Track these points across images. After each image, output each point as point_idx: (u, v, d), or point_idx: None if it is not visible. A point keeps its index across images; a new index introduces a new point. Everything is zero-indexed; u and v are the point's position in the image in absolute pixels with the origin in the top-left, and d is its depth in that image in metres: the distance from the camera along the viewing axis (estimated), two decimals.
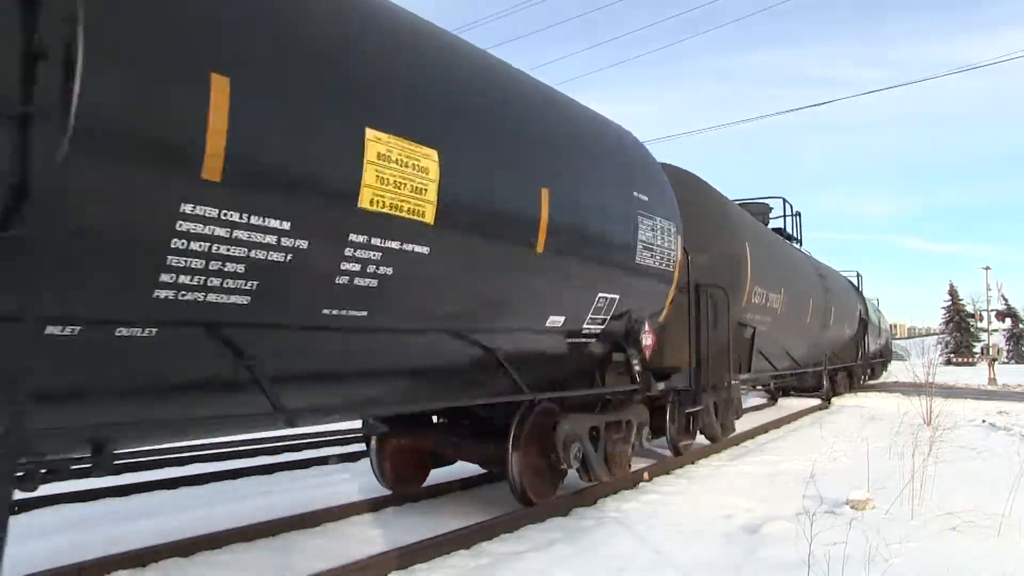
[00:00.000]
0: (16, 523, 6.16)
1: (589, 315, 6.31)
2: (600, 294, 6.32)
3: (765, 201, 16.24)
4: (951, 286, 68.83)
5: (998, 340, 50.18)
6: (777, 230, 16.36)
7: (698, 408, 9.14)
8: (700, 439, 10.01)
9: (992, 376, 33.38)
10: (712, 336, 9.16)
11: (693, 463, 9.40)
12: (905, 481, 6.46)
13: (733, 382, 10.18)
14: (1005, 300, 57.25)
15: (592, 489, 7.18)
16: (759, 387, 18.94)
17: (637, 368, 7.07)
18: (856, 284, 25.76)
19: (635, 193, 6.75)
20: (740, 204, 13.44)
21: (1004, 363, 52.12)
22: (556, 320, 5.92)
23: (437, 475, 7.47)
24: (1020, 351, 63.05)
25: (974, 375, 36.50)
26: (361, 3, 4.33)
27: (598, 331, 6.55)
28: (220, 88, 3.10)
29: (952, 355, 62.46)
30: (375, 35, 4.27)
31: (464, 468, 7.47)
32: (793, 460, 9.39)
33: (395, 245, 4.11)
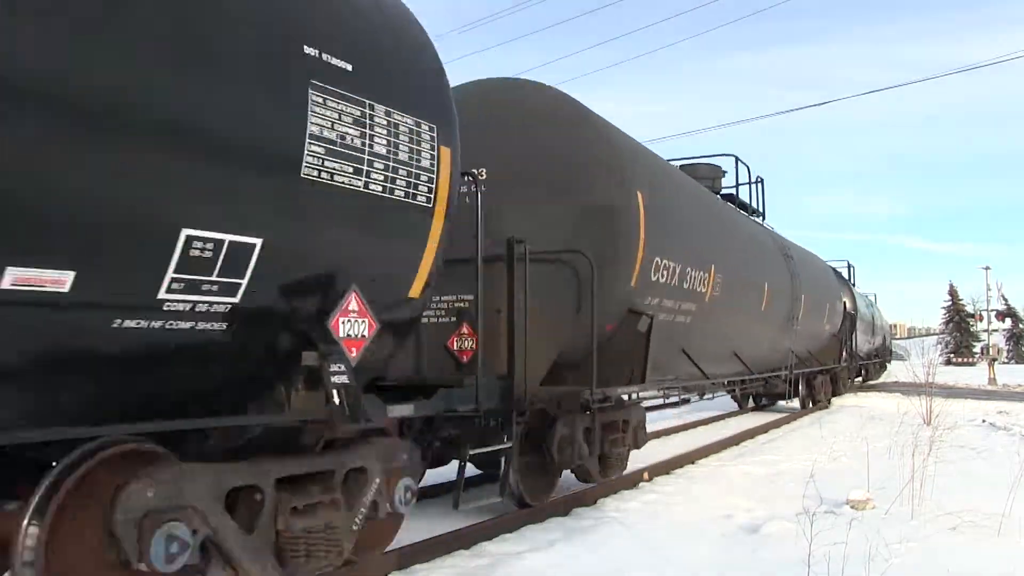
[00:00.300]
0: None
1: (170, 274, 3.16)
2: (193, 232, 3.17)
3: (714, 163, 12.76)
4: (951, 286, 69.17)
5: (998, 340, 50.24)
6: (727, 197, 12.83)
7: (505, 446, 5.59)
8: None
9: (992, 376, 33.42)
10: (562, 328, 6.33)
11: (693, 463, 9.41)
12: (905, 481, 6.46)
13: (603, 402, 6.95)
14: (1005, 300, 57.45)
15: (592, 489, 7.17)
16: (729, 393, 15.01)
17: (338, 379, 3.93)
18: (847, 275, 24.43)
19: (307, 49, 3.65)
20: (682, 167, 10.72)
21: (1004, 363, 52.16)
22: (41, 278, 2.78)
23: None
24: (1020, 351, 63.13)
25: (974, 375, 36.51)
26: None
27: (224, 307, 3.42)
28: None
29: (952, 355, 62.55)
30: None
31: None
32: (793, 460, 9.39)
33: None
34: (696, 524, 6.10)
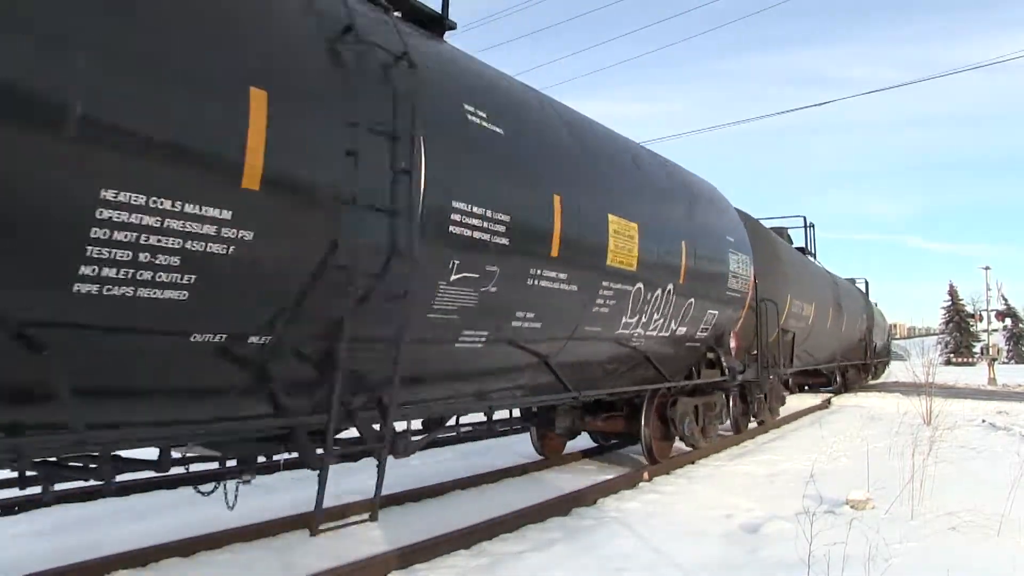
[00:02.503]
0: (18, 523, 6.18)
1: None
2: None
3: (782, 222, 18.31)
4: (951, 286, 69.07)
5: (998, 340, 50.20)
6: (799, 248, 18.05)
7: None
8: None
9: (992, 376, 33.38)
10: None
11: (693, 463, 9.41)
12: (905, 481, 6.46)
13: None
14: (1005, 300, 57.41)
15: (592, 489, 7.20)
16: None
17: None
18: (865, 291, 27.99)
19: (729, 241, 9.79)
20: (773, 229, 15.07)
21: (1004, 363, 52.14)
22: None
23: None
24: (1020, 351, 63.09)
25: (974, 375, 36.50)
26: None
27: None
28: None
29: (952, 355, 62.51)
30: None
31: None
32: (793, 460, 9.39)
33: None
34: (696, 524, 6.10)
